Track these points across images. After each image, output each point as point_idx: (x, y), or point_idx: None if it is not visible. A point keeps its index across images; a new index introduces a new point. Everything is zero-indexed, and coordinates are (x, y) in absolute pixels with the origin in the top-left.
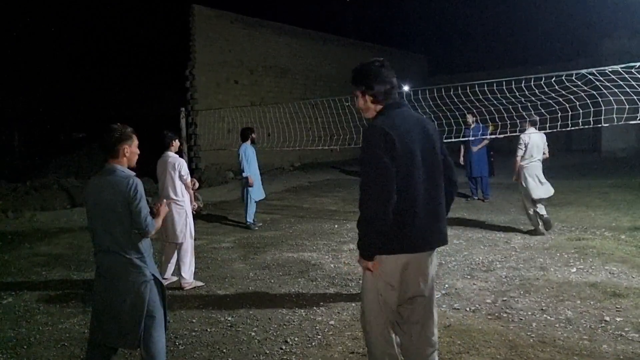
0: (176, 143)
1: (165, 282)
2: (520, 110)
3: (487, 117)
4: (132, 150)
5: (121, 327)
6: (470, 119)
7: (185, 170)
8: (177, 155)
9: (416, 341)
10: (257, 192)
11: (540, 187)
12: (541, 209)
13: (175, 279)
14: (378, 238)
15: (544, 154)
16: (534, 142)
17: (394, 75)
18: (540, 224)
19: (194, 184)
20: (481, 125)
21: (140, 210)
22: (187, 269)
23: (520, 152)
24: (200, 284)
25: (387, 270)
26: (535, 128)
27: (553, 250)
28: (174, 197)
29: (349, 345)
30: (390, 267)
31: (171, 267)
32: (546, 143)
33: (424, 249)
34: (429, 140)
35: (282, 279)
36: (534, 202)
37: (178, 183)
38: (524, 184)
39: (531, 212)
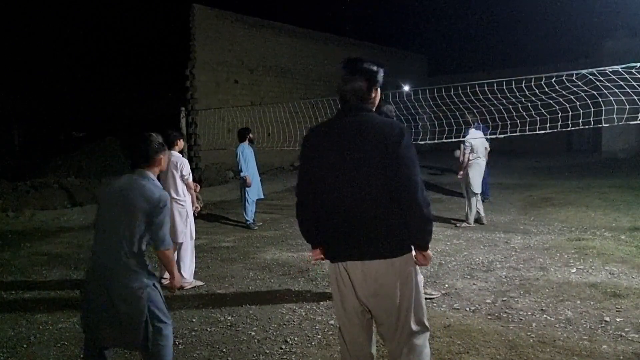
0: (180, 142)
1: (164, 282)
2: (521, 110)
3: (487, 117)
4: (165, 159)
5: (121, 331)
6: (470, 118)
7: (187, 170)
8: (180, 155)
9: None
10: (254, 192)
11: (480, 183)
12: (479, 204)
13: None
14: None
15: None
16: (478, 142)
17: (345, 81)
18: (476, 216)
19: (196, 187)
20: (482, 125)
21: (163, 224)
22: (187, 269)
23: (467, 151)
24: (200, 283)
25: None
26: (475, 128)
27: (553, 250)
28: (175, 197)
29: None
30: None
31: None
32: (488, 142)
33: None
34: (356, 150)
35: (282, 279)
36: (476, 195)
37: (180, 182)
38: (470, 180)
39: (473, 204)
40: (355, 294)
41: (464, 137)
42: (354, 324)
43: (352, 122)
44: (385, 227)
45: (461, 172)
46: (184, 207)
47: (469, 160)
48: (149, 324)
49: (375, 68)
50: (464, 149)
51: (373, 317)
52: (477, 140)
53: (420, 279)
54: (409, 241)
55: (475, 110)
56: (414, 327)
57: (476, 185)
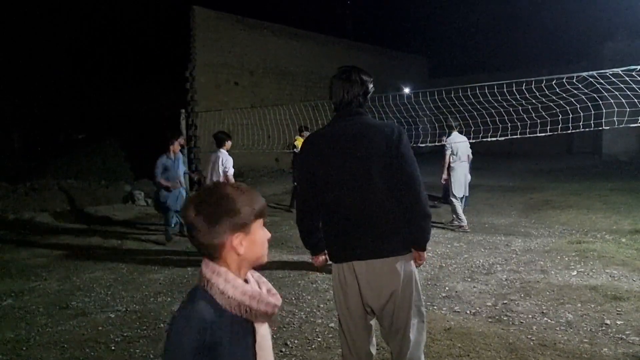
0: (228, 143)
1: None
2: (521, 113)
3: (488, 119)
4: None
5: None
6: (453, 123)
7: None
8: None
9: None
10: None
11: (463, 186)
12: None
13: None
14: None
15: (468, 156)
16: (461, 146)
17: (345, 88)
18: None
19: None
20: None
21: None
22: None
23: (448, 153)
24: None
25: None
26: (458, 132)
27: (554, 253)
28: None
29: None
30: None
31: None
32: (469, 146)
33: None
34: (358, 150)
35: (282, 281)
36: (456, 198)
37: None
38: (451, 183)
39: (457, 205)
40: (360, 294)
41: (446, 140)
42: (357, 324)
43: (352, 124)
44: (388, 226)
45: (444, 177)
46: None
47: (450, 163)
48: None
49: (369, 78)
50: (445, 151)
51: (376, 316)
52: (460, 144)
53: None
54: (409, 240)
55: (458, 116)
56: (415, 321)
57: (457, 188)
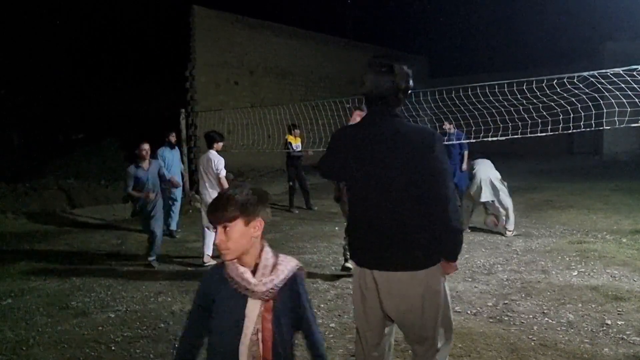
0: (219, 144)
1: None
2: (522, 112)
3: (489, 119)
4: None
5: None
6: (446, 125)
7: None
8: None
9: None
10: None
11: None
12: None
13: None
14: None
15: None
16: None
17: (377, 80)
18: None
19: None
20: (457, 130)
21: None
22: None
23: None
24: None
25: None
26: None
27: (554, 253)
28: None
29: (350, 348)
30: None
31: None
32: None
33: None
34: (384, 158)
35: None
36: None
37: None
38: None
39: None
40: (379, 299)
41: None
42: (373, 329)
43: (381, 127)
44: (411, 237)
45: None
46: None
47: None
48: None
49: (408, 70)
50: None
51: (396, 323)
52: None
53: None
54: (436, 253)
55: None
56: (441, 332)
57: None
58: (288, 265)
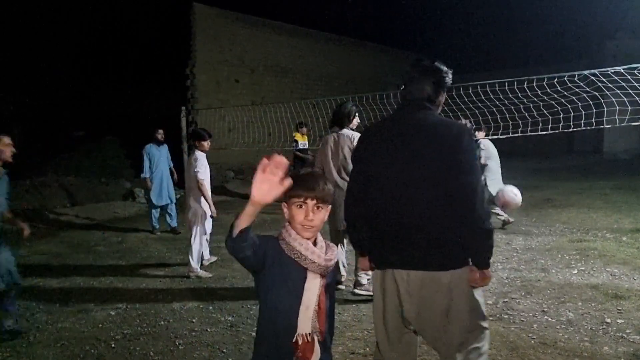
0: (204, 143)
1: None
2: (522, 111)
3: (489, 117)
4: None
5: None
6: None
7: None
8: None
9: None
10: (157, 197)
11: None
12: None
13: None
14: None
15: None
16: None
17: (414, 80)
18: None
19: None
20: None
21: None
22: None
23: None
24: (207, 274)
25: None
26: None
27: (554, 251)
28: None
29: (350, 345)
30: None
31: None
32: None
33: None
34: (411, 151)
35: None
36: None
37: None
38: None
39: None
40: (400, 305)
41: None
42: (393, 342)
43: (410, 120)
44: (435, 236)
45: None
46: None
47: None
48: None
49: (444, 68)
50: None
51: (415, 331)
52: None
53: (482, 300)
54: (463, 255)
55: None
56: (471, 337)
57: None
58: (334, 249)
